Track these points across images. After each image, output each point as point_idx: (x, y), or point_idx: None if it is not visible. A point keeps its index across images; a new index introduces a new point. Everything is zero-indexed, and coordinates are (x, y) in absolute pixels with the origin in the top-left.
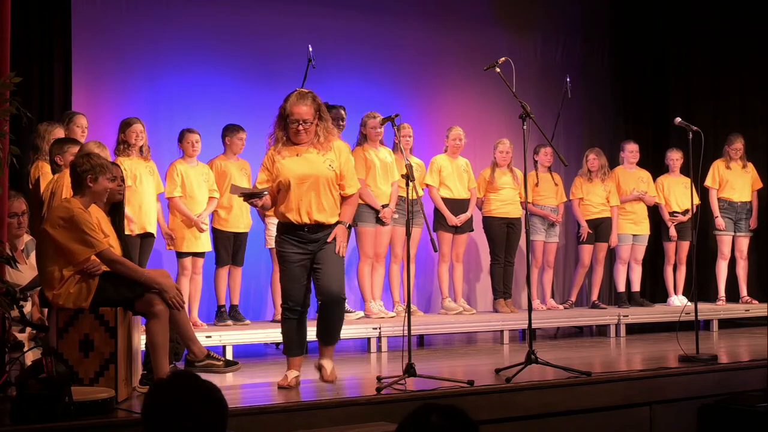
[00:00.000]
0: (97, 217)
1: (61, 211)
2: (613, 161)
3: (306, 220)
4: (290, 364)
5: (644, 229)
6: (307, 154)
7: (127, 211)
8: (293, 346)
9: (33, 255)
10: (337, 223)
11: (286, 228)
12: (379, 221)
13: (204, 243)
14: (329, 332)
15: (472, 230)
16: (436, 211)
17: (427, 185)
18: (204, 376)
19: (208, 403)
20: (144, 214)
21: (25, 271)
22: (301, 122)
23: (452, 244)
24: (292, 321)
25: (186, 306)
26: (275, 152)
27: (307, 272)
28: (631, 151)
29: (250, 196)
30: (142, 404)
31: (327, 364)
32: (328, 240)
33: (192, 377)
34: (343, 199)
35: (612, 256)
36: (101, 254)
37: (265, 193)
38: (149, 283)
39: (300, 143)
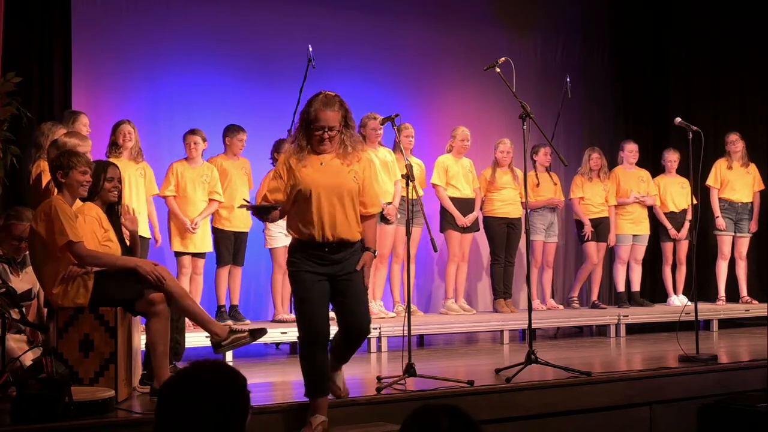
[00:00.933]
0: (97, 214)
1: (44, 206)
2: (613, 161)
3: (329, 236)
4: (315, 407)
5: (644, 229)
6: (330, 163)
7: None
8: (318, 385)
9: (26, 269)
10: (365, 249)
11: (304, 246)
12: (384, 219)
13: (204, 243)
14: (346, 357)
15: (478, 230)
16: (444, 211)
17: (434, 186)
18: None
19: (215, 399)
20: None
21: (15, 284)
22: (326, 129)
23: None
24: (317, 356)
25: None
26: (292, 159)
27: (328, 296)
28: (630, 150)
29: (259, 210)
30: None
31: (339, 380)
32: (357, 268)
33: (195, 375)
34: (363, 218)
35: (611, 255)
36: (72, 247)
37: (278, 207)
38: (125, 266)
39: (323, 152)
